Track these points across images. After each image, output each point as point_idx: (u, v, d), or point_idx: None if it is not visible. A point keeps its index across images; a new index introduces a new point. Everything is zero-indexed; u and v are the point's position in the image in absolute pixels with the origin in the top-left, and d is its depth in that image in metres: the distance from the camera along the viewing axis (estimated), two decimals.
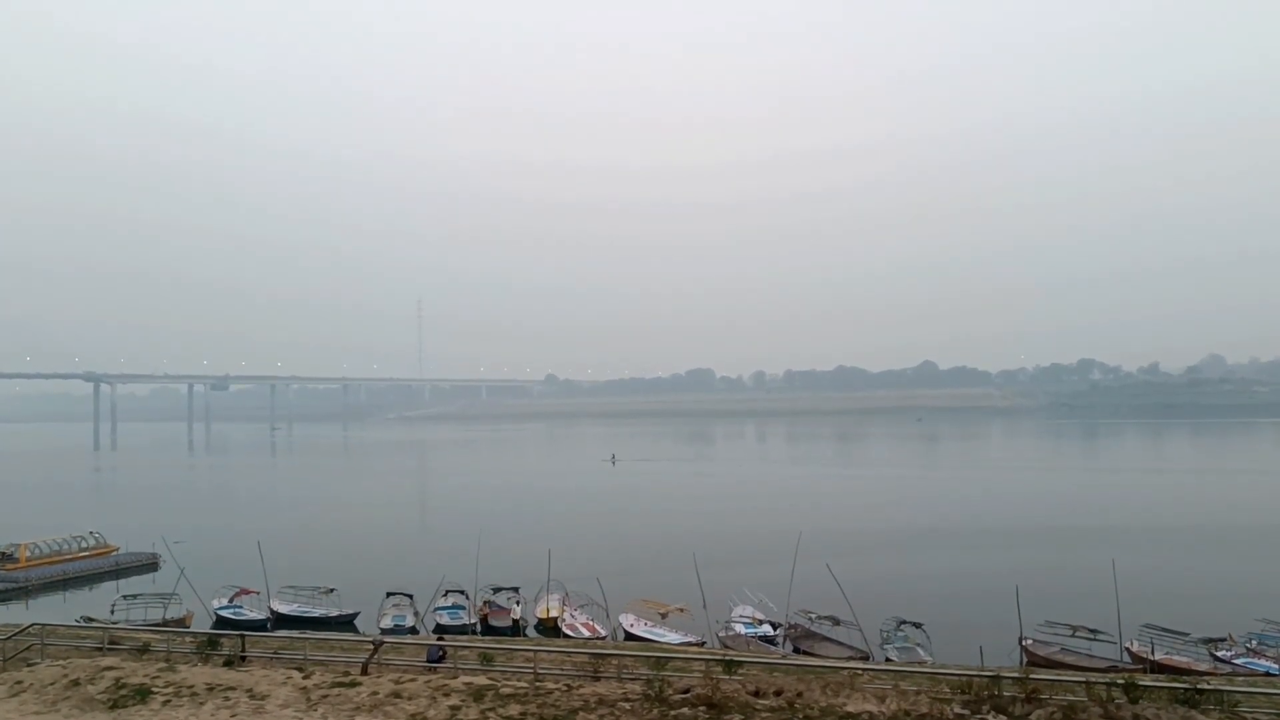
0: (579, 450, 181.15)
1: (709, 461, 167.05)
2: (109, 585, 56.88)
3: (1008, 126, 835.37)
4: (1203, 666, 34.98)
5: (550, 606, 46.19)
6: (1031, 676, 23.45)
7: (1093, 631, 37.85)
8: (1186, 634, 37.71)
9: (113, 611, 43.55)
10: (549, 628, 44.45)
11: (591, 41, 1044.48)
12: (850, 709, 21.02)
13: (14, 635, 30.84)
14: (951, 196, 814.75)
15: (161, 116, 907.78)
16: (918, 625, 40.50)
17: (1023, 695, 21.85)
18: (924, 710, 21.29)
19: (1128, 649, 37.61)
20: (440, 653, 28.85)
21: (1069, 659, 36.84)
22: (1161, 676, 28.85)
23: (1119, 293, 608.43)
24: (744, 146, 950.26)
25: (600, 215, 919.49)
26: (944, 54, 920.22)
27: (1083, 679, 23.98)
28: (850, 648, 39.71)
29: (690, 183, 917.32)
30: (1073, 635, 38.27)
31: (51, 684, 23.33)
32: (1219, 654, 36.80)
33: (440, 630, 42.32)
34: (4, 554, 60.10)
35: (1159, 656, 36.21)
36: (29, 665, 26.56)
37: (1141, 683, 22.88)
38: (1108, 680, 23.24)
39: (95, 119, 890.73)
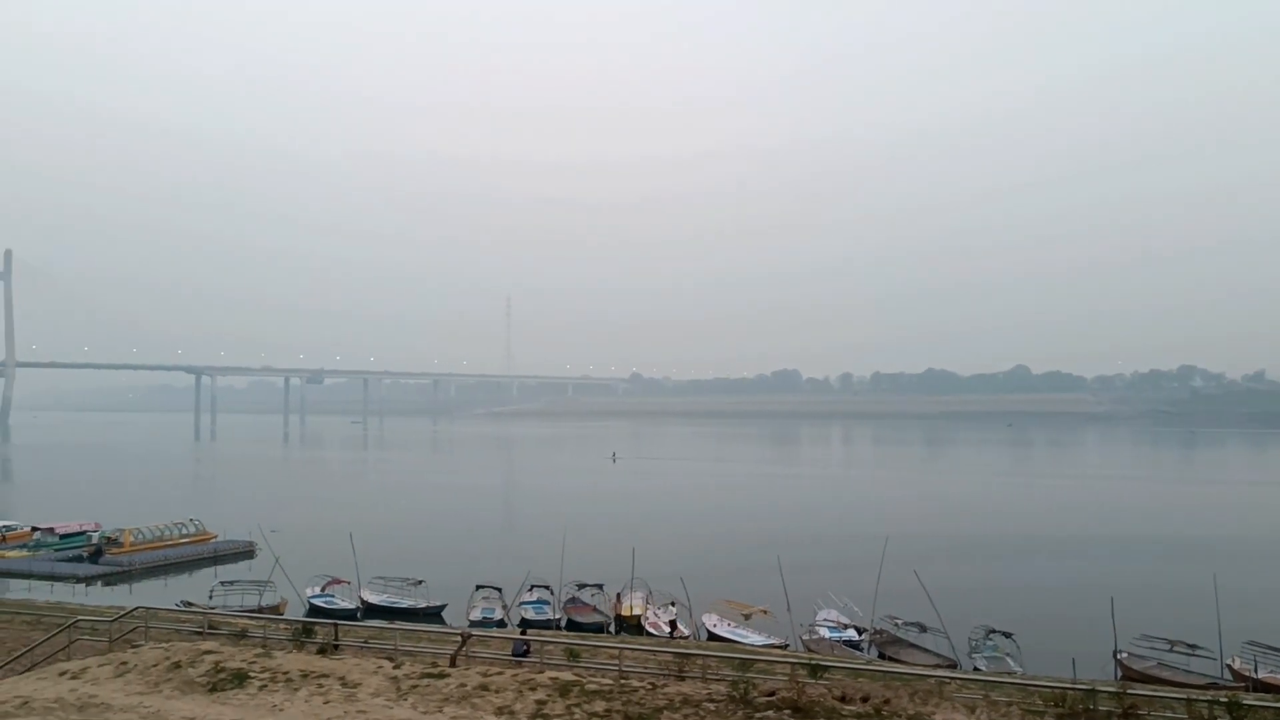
0: (664, 448, 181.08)
1: (791, 465, 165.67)
2: (207, 571, 58.78)
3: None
4: None
5: (634, 604, 46.37)
6: (1129, 691, 22.73)
7: (1191, 646, 36.54)
8: None
9: (211, 597, 45.00)
10: (632, 625, 44.62)
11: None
12: (939, 718, 20.61)
13: (120, 618, 32.03)
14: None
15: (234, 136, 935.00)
16: (1007, 635, 39.57)
17: (1119, 711, 21.15)
18: None
19: (1229, 666, 36.24)
20: (525, 647, 29.17)
21: (1166, 674, 35.67)
22: (1266, 696, 27.76)
23: (1225, 296, 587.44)
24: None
25: (684, 213, 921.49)
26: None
27: (1183, 696, 23.15)
28: (937, 655, 39.00)
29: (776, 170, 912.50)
30: (1170, 650, 37.02)
31: (154, 665, 24.04)
32: None
33: (525, 624, 42.80)
34: (109, 539, 62.68)
35: (1263, 675, 34.77)
36: (133, 647, 27.46)
37: (1245, 701, 21.98)
38: (1209, 698, 22.38)
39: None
